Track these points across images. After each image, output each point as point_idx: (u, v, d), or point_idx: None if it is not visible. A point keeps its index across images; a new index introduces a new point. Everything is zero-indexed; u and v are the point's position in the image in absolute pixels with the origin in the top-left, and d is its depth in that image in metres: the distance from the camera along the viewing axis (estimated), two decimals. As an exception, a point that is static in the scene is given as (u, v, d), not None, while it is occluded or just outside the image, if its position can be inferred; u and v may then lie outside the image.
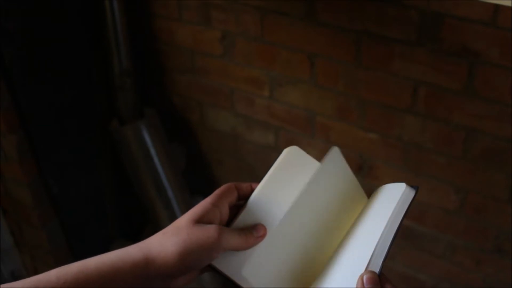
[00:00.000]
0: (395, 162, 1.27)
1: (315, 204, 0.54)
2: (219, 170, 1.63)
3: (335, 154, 0.55)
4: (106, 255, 0.47)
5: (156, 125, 1.50)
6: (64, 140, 1.42)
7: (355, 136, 1.29)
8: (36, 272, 1.58)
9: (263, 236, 0.52)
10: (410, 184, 0.53)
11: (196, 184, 1.67)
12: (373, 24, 1.12)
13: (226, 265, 0.50)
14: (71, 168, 1.47)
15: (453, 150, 1.18)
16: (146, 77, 1.56)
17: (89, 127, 1.48)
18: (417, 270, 1.40)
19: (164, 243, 0.47)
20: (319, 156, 1.45)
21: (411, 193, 0.51)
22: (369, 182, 1.32)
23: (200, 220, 0.49)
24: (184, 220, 0.49)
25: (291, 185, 0.55)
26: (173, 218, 1.52)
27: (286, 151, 0.57)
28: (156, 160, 1.48)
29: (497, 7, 0.97)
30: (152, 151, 1.47)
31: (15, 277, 1.62)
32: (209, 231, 0.48)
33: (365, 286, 0.45)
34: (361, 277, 0.45)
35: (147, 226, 1.70)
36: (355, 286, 0.45)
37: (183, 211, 1.53)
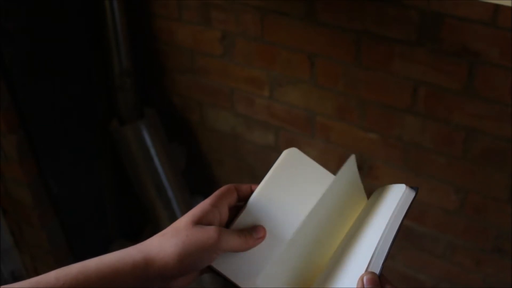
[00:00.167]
0: (395, 162, 1.27)
1: (323, 210, 0.54)
2: (219, 170, 1.63)
3: (351, 163, 0.55)
4: (105, 256, 0.47)
5: (156, 125, 1.50)
6: (64, 140, 1.42)
7: (355, 136, 1.29)
8: (36, 272, 1.58)
9: (262, 238, 0.52)
10: (410, 184, 0.53)
11: (196, 184, 1.67)
12: (373, 24, 1.12)
13: (226, 266, 0.50)
14: (71, 168, 1.47)
15: (453, 150, 1.18)
16: (146, 77, 1.56)
17: (89, 127, 1.48)
18: (417, 270, 1.40)
19: (164, 244, 0.47)
20: (319, 156, 1.45)
21: (411, 194, 0.51)
22: (369, 182, 1.32)
23: (200, 221, 0.49)
24: (183, 221, 0.49)
25: (290, 186, 0.55)
26: (173, 218, 1.52)
27: (285, 153, 0.57)
28: (156, 160, 1.48)
29: (497, 7, 0.97)
30: (152, 151, 1.47)
31: (15, 277, 1.62)
32: (209, 232, 0.48)
33: (365, 286, 0.45)
34: (361, 277, 0.45)
35: (147, 226, 1.70)
36: (355, 287, 0.45)
37: (183, 211, 1.53)
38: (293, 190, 0.55)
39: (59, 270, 0.45)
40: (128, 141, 1.46)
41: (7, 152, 1.32)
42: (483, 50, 1.03)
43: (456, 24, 1.03)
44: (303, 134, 1.37)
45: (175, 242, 0.47)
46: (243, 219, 0.52)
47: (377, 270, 0.45)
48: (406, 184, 0.52)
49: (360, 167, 1.32)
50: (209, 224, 0.50)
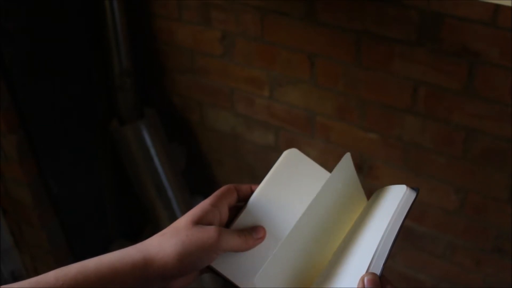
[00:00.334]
0: (395, 162, 1.26)
1: (319, 208, 0.54)
2: (219, 170, 1.63)
3: (347, 161, 0.55)
4: (105, 256, 0.46)
5: (156, 125, 1.50)
6: (64, 140, 1.42)
7: (355, 136, 1.29)
8: (36, 272, 1.58)
9: (262, 238, 0.52)
10: (410, 184, 0.53)
11: (196, 184, 1.67)
12: (373, 24, 1.12)
13: (225, 266, 0.50)
14: (71, 168, 1.47)
15: (453, 150, 1.18)
16: (146, 77, 1.56)
17: (89, 127, 1.48)
18: (417, 270, 1.40)
19: (163, 244, 0.47)
20: (319, 156, 1.45)
21: (412, 195, 0.51)
22: (369, 182, 1.32)
23: (200, 221, 0.49)
24: (183, 221, 0.49)
25: (290, 187, 0.55)
26: (173, 218, 1.52)
27: (285, 154, 0.57)
28: (156, 160, 1.48)
29: (497, 7, 0.97)
30: (152, 151, 1.47)
31: (15, 277, 1.62)
32: (209, 232, 0.48)
33: (366, 287, 0.45)
34: (362, 278, 0.45)
35: (147, 226, 1.70)
36: (356, 287, 0.45)
37: (183, 211, 1.53)
38: (293, 190, 0.55)
39: (58, 270, 0.45)
40: (128, 141, 1.46)
41: (7, 152, 1.32)
42: (483, 50, 1.03)
43: (456, 24, 1.03)
44: (303, 134, 1.37)
45: (174, 241, 0.47)
46: (243, 219, 0.52)
47: (378, 271, 0.45)
48: (407, 185, 0.52)
49: (360, 167, 1.32)
50: (209, 224, 0.50)
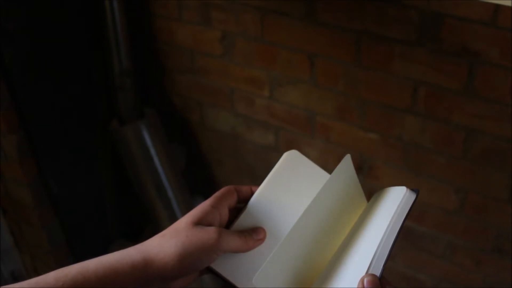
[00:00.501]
0: (395, 162, 1.26)
1: (319, 209, 0.54)
2: (219, 170, 1.63)
3: (347, 162, 0.55)
4: (105, 257, 0.47)
5: (156, 125, 1.50)
6: (64, 140, 1.42)
7: (355, 136, 1.29)
8: (36, 272, 1.58)
9: (262, 239, 0.52)
10: (410, 185, 0.53)
11: (196, 184, 1.67)
12: (373, 24, 1.12)
13: (224, 267, 0.50)
14: (71, 168, 1.47)
15: (453, 150, 1.18)
16: (146, 77, 1.56)
17: (89, 127, 1.48)
18: (417, 270, 1.40)
19: (163, 244, 0.47)
20: (319, 156, 1.45)
21: (412, 196, 0.51)
22: (369, 182, 1.32)
23: (200, 222, 0.49)
24: (183, 222, 0.49)
25: (290, 188, 0.55)
26: (173, 218, 1.52)
27: (285, 155, 0.57)
28: (156, 160, 1.48)
29: (497, 7, 0.97)
30: (152, 151, 1.47)
31: (15, 277, 1.62)
32: (209, 233, 0.48)
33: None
34: (362, 279, 0.45)
35: (147, 226, 1.70)
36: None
37: (183, 211, 1.53)
38: (293, 192, 0.55)
39: (59, 271, 0.45)
40: (128, 141, 1.46)
41: (7, 152, 1.32)
42: (483, 50, 1.03)
43: (456, 24, 1.03)
44: (303, 134, 1.37)
45: (174, 242, 0.47)
46: (243, 221, 0.53)
47: (377, 272, 0.45)
48: (407, 186, 0.52)
49: (360, 167, 1.32)
50: (209, 225, 0.50)
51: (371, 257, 0.46)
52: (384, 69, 1.16)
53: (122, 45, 1.37)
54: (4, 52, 1.19)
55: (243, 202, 0.54)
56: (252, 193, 0.55)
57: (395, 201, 0.51)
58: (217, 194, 0.52)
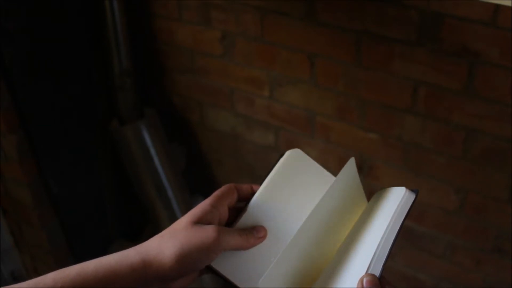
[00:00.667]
0: (395, 162, 1.27)
1: (323, 212, 0.54)
2: (219, 170, 1.63)
3: (351, 165, 0.55)
4: (104, 259, 0.46)
5: (156, 125, 1.50)
6: (64, 140, 1.42)
7: (355, 136, 1.29)
8: (36, 272, 1.58)
9: (263, 237, 0.52)
10: (410, 185, 0.53)
11: (196, 184, 1.67)
12: (373, 24, 1.12)
13: (225, 266, 0.50)
14: (71, 168, 1.47)
15: (453, 150, 1.18)
16: (146, 77, 1.56)
17: (89, 127, 1.48)
18: (417, 270, 1.40)
19: (162, 245, 0.47)
20: (319, 156, 1.44)
21: (411, 197, 0.51)
22: (369, 182, 1.33)
23: (199, 221, 0.49)
24: (182, 222, 0.49)
25: (292, 188, 0.55)
26: (173, 218, 1.52)
27: (288, 154, 0.57)
28: (156, 160, 1.48)
29: (497, 7, 0.97)
30: (152, 151, 1.47)
31: (15, 277, 1.62)
32: (208, 232, 0.48)
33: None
34: (361, 279, 0.45)
35: (147, 226, 1.70)
36: None
37: (183, 211, 1.53)
38: (295, 191, 0.55)
39: (57, 272, 0.45)
40: (128, 141, 1.46)
41: (7, 152, 1.32)
42: (483, 50, 1.03)
43: (456, 24, 1.03)
44: (303, 134, 1.37)
45: (173, 243, 0.47)
46: (245, 220, 0.52)
47: (377, 272, 0.45)
48: (407, 187, 0.52)
49: (360, 167, 1.32)
50: (209, 223, 0.49)
51: (371, 257, 0.46)
52: (384, 69, 1.16)
53: (122, 45, 1.37)
54: (4, 52, 1.19)
55: (243, 200, 0.54)
56: (252, 192, 0.54)
57: (395, 201, 0.51)
58: (217, 192, 0.52)
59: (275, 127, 1.41)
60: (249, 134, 1.47)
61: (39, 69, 1.29)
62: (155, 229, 1.57)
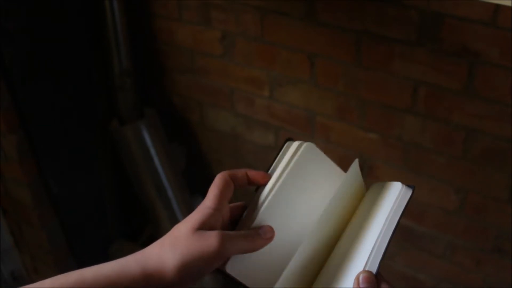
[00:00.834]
0: (395, 162, 1.26)
1: (330, 216, 0.53)
2: (219, 170, 1.62)
3: (355, 168, 0.54)
4: (103, 268, 0.45)
5: (156, 125, 1.50)
6: (64, 140, 1.42)
7: (355, 136, 1.29)
8: (36, 272, 1.58)
9: (271, 238, 0.50)
10: (407, 183, 0.53)
11: (196, 184, 1.67)
12: (373, 24, 1.12)
13: (235, 268, 0.49)
14: (71, 168, 1.47)
15: (453, 150, 1.18)
16: (146, 77, 1.56)
17: (89, 127, 1.48)
18: (417, 270, 1.40)
19: (163, 256, 0.46)
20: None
21: (408, 193, 0.51)
22: (369, 182, 1.32)
23: (201, 227, 0.47)
24: (183, 228, 0.47)
25: (305, 185, 0.53)
26: (173, 218, 1.52)
27: (303, 149, 0.54)
28: (156, 160, 1.48)
29: (497, 7, 0.97)
30: (152, 151, 1.47)
31: (15, 277, 1.62)
32: (210, 240, 0.46)
33: (361, 285, 0.45)
34: (357, 276, 0.45)
35: (147, 226, 1.70)
36: (351, 287, 0.45)
37: (183, 211, 1.53)
38: (306, 188, 0.53)
39: (55, 279, 0.43)
40: (128, 141, 1.46)
41: (7, 152, 1.32)
42: (483, 50, 1.03)
43: (456, 24, 1.03)
44: (303, 134, 1.37)
45: (174, 253, 0.45)
46: (254, 217, 0.50)
47: (374, 269, 0.45)
48: (403, 183, 0.52)
49: (360, 167, 1.32)
50: (211, 228, 0.47)
51: (368, 255, 0.46)
52: (384, 69, 1.16)
53: (122, 45, 1.37)
54: (4, 52, 1.19)
55: (239, 187, 0.52)
56: (248, 179, 0.52)
57: (391, 197, 0.51)
58: (215, 191, 0.50)
59: (275, 127, 1.41)
60: (249, 134, 1.47)
61: (39, 69, 1.29)
62: (155, 229, 1.57)
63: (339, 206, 0.53)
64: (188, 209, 1.55)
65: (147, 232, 1.71)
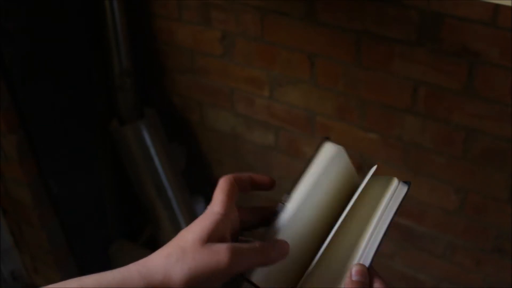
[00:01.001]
0: (395, 162, 1.26)
1: (344, 223, 0.52)
2: (219, 170, 1.63)
3: (336, 154, 0.52)
4: (104, 278, 0.42)
5: (156, 125, 1.50)
6: (64, 140, 1.42)
7: (355, 136, 1.29)
8: (36, 272, 1.58)
9: (285, 254, 0.47)
10: (404, 180, 0.53)
11: (196, 184, 1.67)
12: (373, 24, 1.12)
13: (254, 275, 0.47)
14: (71, 168, 1.47)
15: (453, 150, 1.18)
16: (146, 77, 1.56)
17: (89, 127, 1.48)
18: (417, 270, 1.40)
19: (168, 269, 0.42)
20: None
21: (404, 189, 0.51)
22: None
23: (210, 238, 0.43)
24: (190, 238, 0.44)
25: (329, 193, 0.51)
26: (173, 218, 1.52)
27: (334, 154, 0.51)
28: (156, 160, 1.48)
29: (497, 7, 0.97)
30: (152, 151, 1.47)
31: (15, 277, 1.62)
32: (220, 255, 0.43)
33: (353, 278, 0.45)
34: (350, 269, 0.45)
35: (147, 226, 1.70)
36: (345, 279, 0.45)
37: (183, 211, 1.53)
38: (330, 197, 0.51)
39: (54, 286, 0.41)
40: (128, 141, 1.46)
41: (7, 152, 1.32)
42: (483, 50, 1.03)
43: (456, 24, 1.03)
44: (303, 134, 1.37)
45: (180, 267, 0.42)
46: (285, 233, 0.48)
47: (366, 263, 0.46)
48: (399, 178, 0.52)
49: (360, 167, 1.32)
50: (221, 238, 0.44)
51: (362, 249, 0.46)
52: (384, 69, 1.16)
53: (122, 45, 1.37)
54: (4, 52, 1.19)
55: (242, 192, 0.49)
56: (252, 182, 0.50)
57: (387, 192, 0.50)
58: (222, 196, 0.46)
59: (275, 127, 1.41)
60: (249, 134, 1.47)
61: (39, 69, 1.29)
62: (155, 229, 1.57)
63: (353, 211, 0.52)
64: (188, 209, 1.55)
65: (147, 232, 1.71)
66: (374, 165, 0.54)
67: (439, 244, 1.32)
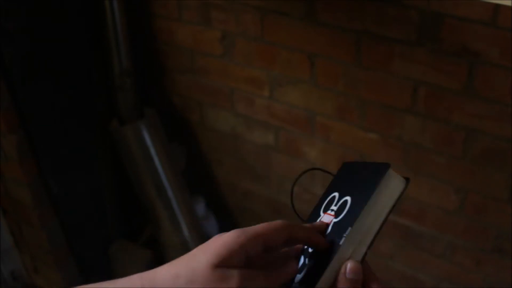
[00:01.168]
0: (395, 162, 1.26)
1: None
2: (219, 170, 1.63)
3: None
4: None
5: (156, 125, 1.50)
6: (64, 140, 1.42)
7: (355, 136, 1.29)
8: (36, 272, 1.58)
9: (292, 275, 0.46)
10: (410, 186, 0.52)
11: (196, 184, 1.67)
12: (373, 24, 1.12)
13: None
14: (71, 168, 1.47)
15: (453, 150, 1.18)
16: (146, 77, 1.56)
17: (89, 127, 1.48)
18: (417, 270, 1.40)
19: None
20: (319, 156, 1.44)
21: (401, 185, 0.50)
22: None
23: (222, 263, 0.41)
24: (202, 262, 0.42)
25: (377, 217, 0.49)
26: (173, 218, 1.52)
27: (394, 183, 0.49)
28: (156, 160, 1.48)
29: (497, 7, 0.97)
30: (152, 151, 1.47)
31: (15, 277, 1.62)
32: (230, 281, 0.41)
33: (347, 275, 0.44)
34: (345, 265, 0.44)
35: (147, 226, 1.70)
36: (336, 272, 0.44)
37: (183, 211, 1.53)
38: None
39: None
40: (128, 141, 1.46)
41: (7, 152, 1.32)
42: (483, 50, 1.03)
43: (456, 24, 1.03)
44: (303, 134, 1.37)
45: None
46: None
47: (359, 257, 0.45)
48: (400, 174, 0.51)
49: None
50: (234, 267, 0.42)
51: (354, 244, 0.46)
52: (384, 69, 1.16)
53: (122, 45, 1.37)
54: (4, 52, 1.19)
55: (292, 245, 0.46)
56: (311, 243, 0.46)
57: (384, 187, 0.50)
58: (256, 229, 0.43)
59: (275, 127, 1.41)
60: (249, 134, 1.47)
61: (39, 69, 1.29)
62: (155, 229, 1.57)
63: None
64: (188, 209, 1.55)
65: (147, 232, 1.71)
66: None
67: (439, 244, 1.32)
